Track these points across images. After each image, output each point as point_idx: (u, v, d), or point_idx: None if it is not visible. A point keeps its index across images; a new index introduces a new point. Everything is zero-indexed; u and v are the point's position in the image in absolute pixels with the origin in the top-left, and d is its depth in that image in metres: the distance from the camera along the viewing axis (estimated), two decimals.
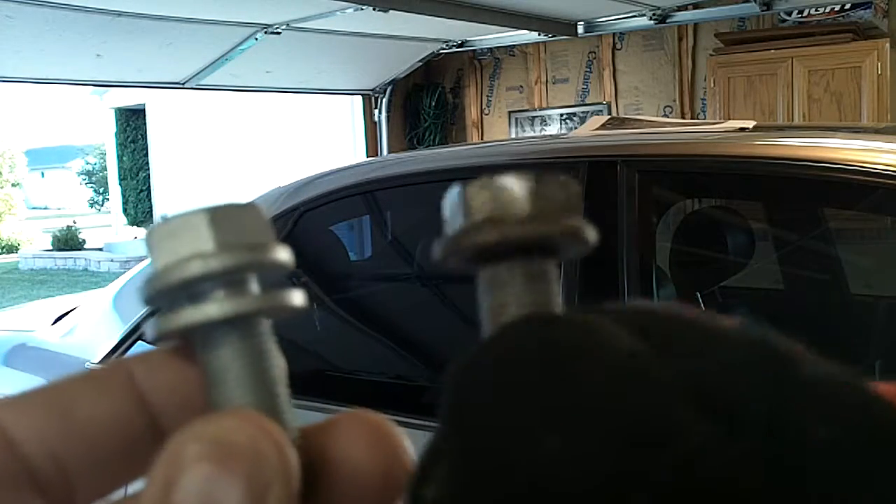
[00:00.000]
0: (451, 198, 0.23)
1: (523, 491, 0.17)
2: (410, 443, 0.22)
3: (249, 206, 0.22)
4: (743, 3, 4.92)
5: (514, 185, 0.22)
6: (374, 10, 3.89)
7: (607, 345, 0.19)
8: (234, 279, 0.21)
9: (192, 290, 0.21)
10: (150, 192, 13.54)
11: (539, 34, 5.33)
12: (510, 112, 6.49)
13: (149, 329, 0.22)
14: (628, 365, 0.19)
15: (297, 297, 0.22)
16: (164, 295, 0.21)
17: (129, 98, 13.16)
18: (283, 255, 0.22)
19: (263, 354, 0.22)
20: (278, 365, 0.22)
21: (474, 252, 0.23)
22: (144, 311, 1.94)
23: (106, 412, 0.21)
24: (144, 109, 13.05)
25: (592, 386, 0.18)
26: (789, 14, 5.13)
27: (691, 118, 5.58)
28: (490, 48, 6.28)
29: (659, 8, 4.92)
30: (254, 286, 0.22)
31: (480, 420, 0.19)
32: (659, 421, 0.18)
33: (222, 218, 0.21)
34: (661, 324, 0.20)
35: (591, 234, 0.22)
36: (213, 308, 0.21)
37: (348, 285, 2.22)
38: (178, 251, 0.21)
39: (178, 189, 12.32)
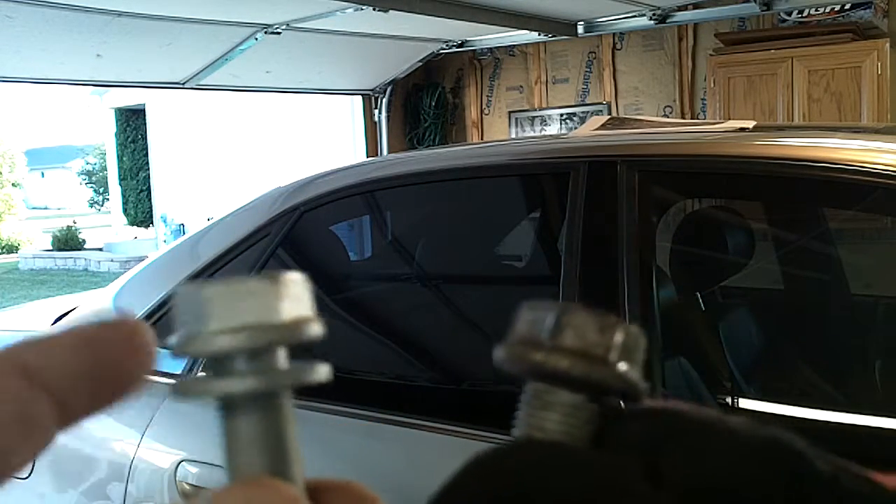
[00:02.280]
0: (533, 312, 0.25)
1: None
2: None
3: (289, 279, 0.23)
4: (743, 3, 4.92)
5: (593, 325, 0.24)
6: (374, 10, 3.89)
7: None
8: (261, 353, 0.22)
9: (218, 361, 0.22)
10: (150, 192, 13.54)
11: (539, 34, 5.33)
12: (510, 112, 6.49)
13: (173, 388, 0.22)
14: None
15: (322, 372, 0.23)
16: (191, 358, 0.22)
17: (129, 98, 13.16)
18: (315, 330, 0.23)
19: (282, 423, 0.23)
20: (293, 431, 0.23)
21: (538, 370, 0.25)
22: (145, 311, 1.94)
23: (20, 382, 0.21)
24: (144, 109, 13.05)
25: None
26: (789, 14, 5.13)
27: (691, 118, 5.58)
28: (490, 48, 6.28)
29: (659, 8, 4.92)
30: (280, 360, 0.22)
31: None
32: None
33: (260, 292, 0.22)
34: (673, 440, 0.23)
35: (642, 387, 0.24)
36: (237, 384, 0.22)
37: (348, 285, 2.22)
38: (210, 321, 0.21)
39: (178, 189, 12.32)
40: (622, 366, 0.24)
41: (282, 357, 0.22)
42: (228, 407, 0.22)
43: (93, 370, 0.21)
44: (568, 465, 0.22)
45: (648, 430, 0.23)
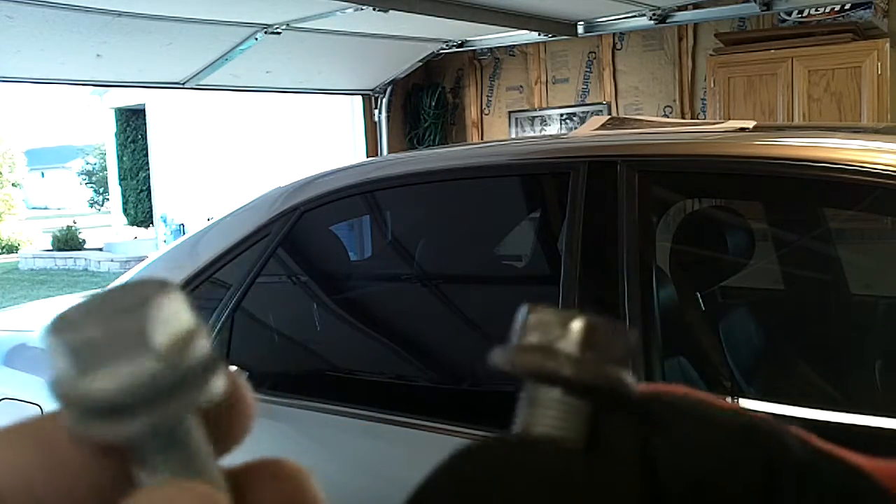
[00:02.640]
0: (520, 314, 0.26)
1: None
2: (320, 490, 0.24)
3: (165, 294, 0.21)
4: (743, 3, 4.92)
5: (569, 323, 0.25)
6: (374, 10, 3.89)
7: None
8: (154, 392, 0.20)
9: (107, 409, 0.20)
10: (150, 192, 13.53)
11: (539, 34, 5.33)
12: (510, 112, 6.49)
13: (69, 423, 0.21)
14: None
15: (218, 384, 0.21)
16: (80, 408, 0.20)
17: (129, 98, 13.16)
18: (201, 343, 0.21)
19: (189, 445, 0.21)
20: (198, 432, 0.22)
21: (521, 370, 0.25)
22: None
23: (87, 452, 0.21)
24: (144, 109, 13.04)
25: None
26: (789, 14, 5.13)
27: (691, 118, 5.57)
28: (490, 48, 6.28)
29: (659, 8, 4.92)
30: (176, 393, 0.20)
31: None
32: None
33: (131, 313, 0.20)
34: (661, 416, 0.24)
35: (633, 385, 0.25)
36: (129, 427, 0.20)
37: (348, 285, 2.22)
38: (88, 361, 0.20)
39: (178, 189, 12.32)
40: (608, 366, 0.24)
41: (177, 386, 0.20)
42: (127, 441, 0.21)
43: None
44: (518, 466, 0.23)
45: (636, 427, 0.24)
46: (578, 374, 0.24)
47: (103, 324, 0.20)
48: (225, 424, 0.23)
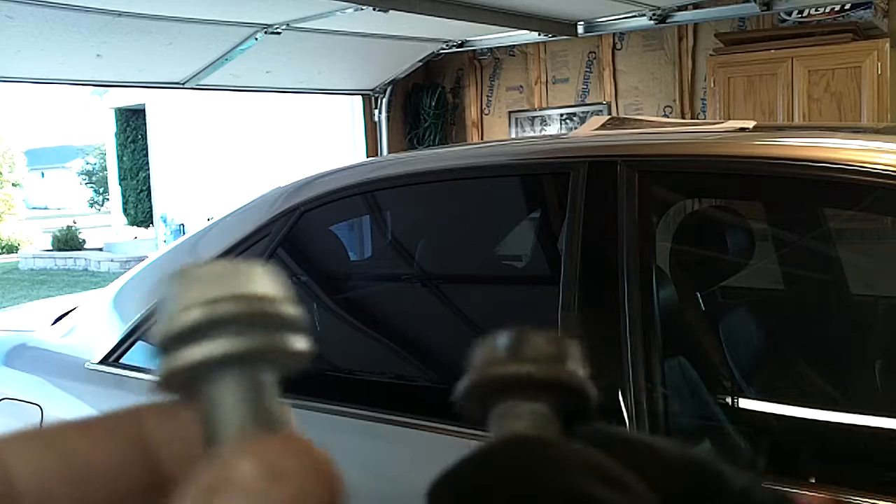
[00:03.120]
0: (496, 337, 0.28)
1: None
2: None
3: (258, 265, 0.23)
4: (743, 3, 4.92)
5: (539, 338, 0.27)
6: (374, 10, 3.89)
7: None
8: (239, 326, 0.22)
9: (196, 336, 0.22)
10: (150, 192, 13.53)
11: (539, 34, 5.33)
12: (510, 112, 6.49)
13: (153, 372, 0.22)
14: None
15: (300, 343, 0.23)
16: (172, 340, 0.22)
17: (129, 98, 13.16)
18: (289, 309, 0.23)
19: (263, 390, 0.23)
20: (278, 402, 0.23)
21: (509, 384, 0.27)
22: (144, 311, 1.94)
23: (105, 459, 0.22)
24: (144, 109, 13.04)
25: None
26: (789, 14, 5.13)
27: (691, 118, 5.57)
28: (490, 48, 6.28)
29: (659, 8, 4.92)
30: (258, 332, 0.22)
31: None
32: None
33: (230, 272, 0.22)
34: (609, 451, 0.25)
35: (590, 390, 0.27)
36: (212, 347, 0.22)
37: (348, 285, 2.22)
38: (185, 299, 0.22)
39: (178, 189, 12.32)
40: (575, 371, 0.27)
41: (259, 331, 0.22)
42: (207, 380, 0.22)
43: None
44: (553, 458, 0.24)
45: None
46: (553, 377, 0.26)
47: (210, 274, 0.22)
48: None
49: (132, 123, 14.35)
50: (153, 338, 0.22)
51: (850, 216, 1.99)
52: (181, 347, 0.22)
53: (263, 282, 0.23)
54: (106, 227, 16.87)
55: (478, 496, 0.23)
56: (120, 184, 14.83)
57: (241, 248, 1.90)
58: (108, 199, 19.35)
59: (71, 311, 2.23)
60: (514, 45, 6.15)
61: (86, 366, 1.93)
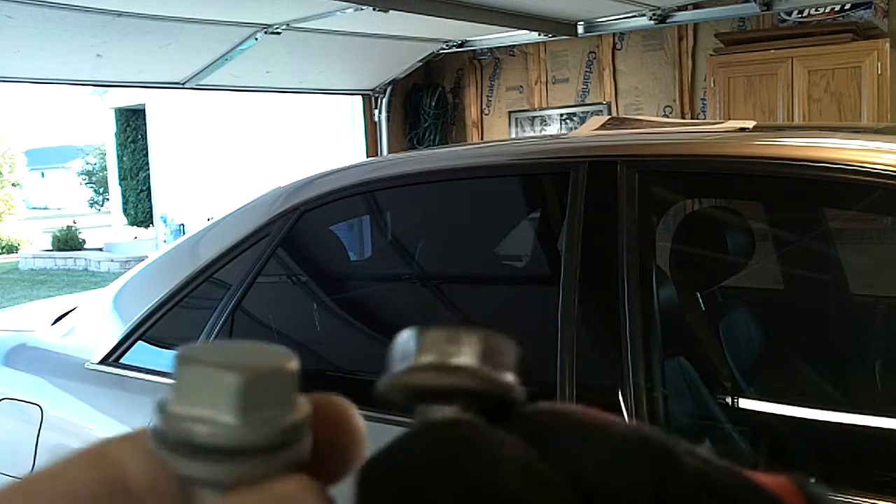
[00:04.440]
0: (402, 338, 0.27)
1: None
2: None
3: (277, 372, 0.23)
4: (743, 3, 4.92)
5: (460, 339, 0.26)
6: (374, 10, 3.89)
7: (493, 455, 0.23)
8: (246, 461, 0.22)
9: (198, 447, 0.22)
10: (150, 192, 13.53)
11: (539, 34, 5.33)
12: (510, 112, 6.49)
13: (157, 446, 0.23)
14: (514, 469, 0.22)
15: (302, 451, 0.24)
16: (172, 441, 0.22)
17: (129, 98, 13.16)
18: (510, 388, 0.24)
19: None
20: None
21: (415, 391, 0.26)
22: (144, 312, 1.94)
23: (149, 482, 0.23)
24: (144, 109, 13.05)
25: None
26: (789, 14, 5.13)
27: (691, 118, 5.57)
28: (490, 48, 6.28)
29: (659, 8, 4.92)
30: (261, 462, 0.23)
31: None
32: None
33: (250, 386, 0.22)
34: (551, 427, 0.24)
35: (521, 393, 0.26)
36: (210, 471, 0.22)
37: (348, 285, 2.22)
38: (198, 406, 0.22)
39: (178, 189, 12.32)
40: (485, 371, 0.25)
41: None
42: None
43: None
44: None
45: (526, 435, 0.24)
46: (476, 384, 0.25)
47: (217, 371, 0.22)
48: (331, 455, 0.25)
49: (132, 123, 14.35)
50: (161, 414, 0.23)
51: (850, 216, 1.99)
52: (181, 453, 0.22)
53: (276, 386, 0.23)
54: (106, 227, 16.87)
55: (412, 487, 0.23)
56: (120, 184, 14.83)
57: (241, 249, 1.90)
58: (108, 199, 19.35)
59: (71, 311, 2.23)
60: (514, 45, 6.15)
61: (86, 366, 1.93)
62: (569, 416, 0.25)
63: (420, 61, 5.97)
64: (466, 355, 0.25)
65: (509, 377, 0.26)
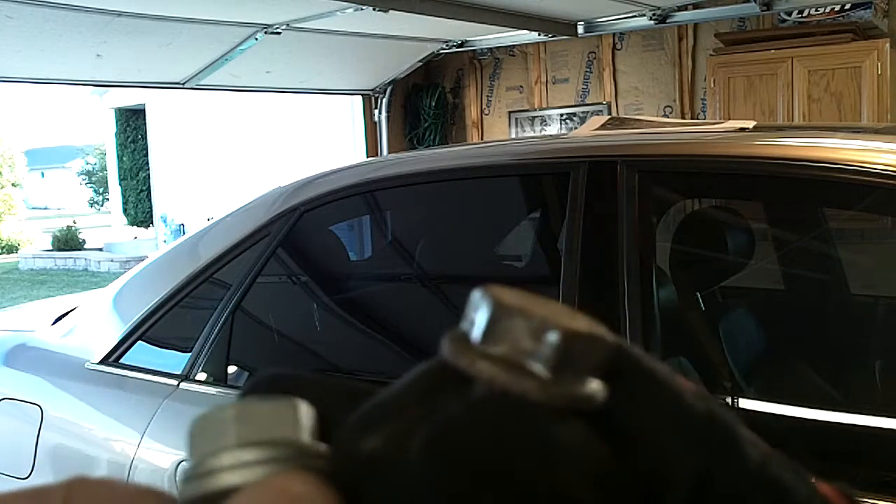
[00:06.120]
0: (477, 300, 0.25)
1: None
2: None
3: (283, 405, 0.24)
4: (743, 3, 4.92)
5: (538, 330, 0.23)
6: (374, 10, 3.89)
7: None
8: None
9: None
10: (150, 192, 13.53)
11: (539, 34, 5.33)
12: (510, 112, 6.49)
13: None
14: None
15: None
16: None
17: (129, 98, 13.16)
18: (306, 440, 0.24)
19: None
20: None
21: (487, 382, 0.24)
22: (144, 312, 1.94)
23: None
24: (144, 109, 13.04)
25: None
26: (789, 14, 5.13)
27: (691, 118, 5.57)
28: (490, 48, 6.28)
29: (659, 8, 4.92)
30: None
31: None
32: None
33: (249, 418, 0.23)
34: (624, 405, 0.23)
35: (599, 396, 0.23)
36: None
37: (348, 285, 2.22)
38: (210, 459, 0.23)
39: (178, 189, 12.32)
40: (578, 384, 0.23)
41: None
42: None
43: None
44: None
45: (604, 377, 0.23)
46: (546, 399, 0.22)
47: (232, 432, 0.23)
48: None
49: (132, 123, 14.35)
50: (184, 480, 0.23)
51: (850, 216, 1.99)
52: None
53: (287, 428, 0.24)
54: (106, 227, 16.87)
55: (497, 472, 0.21)
56: (120, 184, 14.83)
57: (241, 249, 1.90)
58: (108, 199, 19.36)
59: (71, 311, 2.23)
60: (514, 45, 6.15)
61: (86, 366, 1.93)
62: (652, 372, 0.23)
63: (420, 61, 5.97)
64: (544, 360, 0.22)
65: (590, 386, 0.22)
